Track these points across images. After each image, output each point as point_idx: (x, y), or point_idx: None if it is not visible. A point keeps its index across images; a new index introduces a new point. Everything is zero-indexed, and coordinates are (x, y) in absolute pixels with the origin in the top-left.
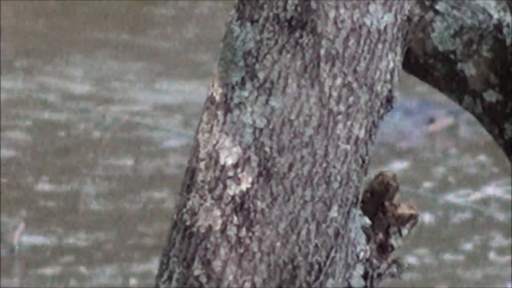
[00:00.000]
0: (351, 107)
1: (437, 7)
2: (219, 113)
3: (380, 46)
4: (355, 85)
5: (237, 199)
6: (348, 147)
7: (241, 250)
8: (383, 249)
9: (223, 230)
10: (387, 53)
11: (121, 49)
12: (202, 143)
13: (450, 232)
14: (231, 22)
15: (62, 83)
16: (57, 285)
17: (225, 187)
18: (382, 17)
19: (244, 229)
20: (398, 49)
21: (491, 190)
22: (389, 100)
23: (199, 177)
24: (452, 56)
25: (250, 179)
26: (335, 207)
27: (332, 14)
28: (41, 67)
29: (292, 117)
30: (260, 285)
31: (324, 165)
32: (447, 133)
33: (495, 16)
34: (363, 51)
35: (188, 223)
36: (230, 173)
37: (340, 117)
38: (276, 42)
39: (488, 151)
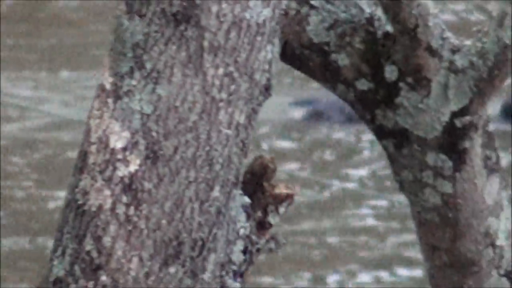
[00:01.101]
0: (232, 94)
1: (312, 2)
2: (109, 100)
3: (259, 38)
4: (236, 74)
5: (126, 180)
6: (230, 132)
7: (130, 227)
8: (262, 226)
9: (112, 209)
10: (266, 45)
11: None
12: (94, 128)
13: None
14: (121, 15)
15: None
16: None
17: (114, 169)
18: (261, 12)
19: (132, 207)
20: (276, 41)
21: None
22: (267, 88)
23: (91, 159)
24: (326, 48)
25: (138, 162)
26: (217, 188)
27: (214, 8)
28: None
29: (177, 104)
30: (147, 259)
31: (207, 148)
32: None
33: (367, 10)
34: (243, 43)
35: (80, 202)
36: (119, 156)
37: (222, 104)
38: (163, 34)
39: None
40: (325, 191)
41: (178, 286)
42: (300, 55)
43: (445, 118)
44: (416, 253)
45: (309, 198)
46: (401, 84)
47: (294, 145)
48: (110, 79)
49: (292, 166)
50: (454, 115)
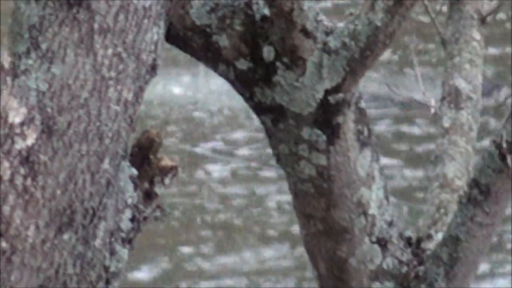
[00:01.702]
0: (121, 73)
1: None
2: (8, 78)
3: (145, 21)
4: (124, 54)
5: (24, 153)
6: (118, 108)
7: (27, 197)
8: (148, 196)
9: (11, 180)
10: (152, 27)
11: None
12: None
13: None
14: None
15: None
16: None
17: (13, 142)
18: None
19: (29, 179)
20: (161, 24)
21: None
22: (154, 67)
23: None
24: (208, 30)
25: (34, 136)
26: (107, 160)
27: None
28: None
29: (70, 82)
30: (43, 227)
31: (98, 123)
32: None
33: None
34: (131, 25)
35: None
36: (17, 131)
37: (111, 82)
38: (57, 17)
39: None
40: None
41: (72, 252)
42: (184, 36)
43: (319, 95)
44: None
45: None
46: (278, 64)
47: None
48: (9, 59)
49: None
50: (328, 92)
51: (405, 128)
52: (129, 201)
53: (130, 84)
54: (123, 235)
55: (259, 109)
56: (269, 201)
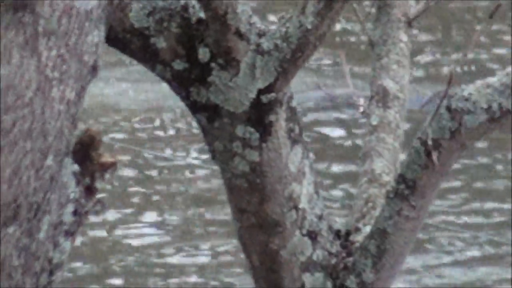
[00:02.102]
0: (64, 74)
1: None
2: None
3: (87, 24)
4: (67, 56)
5: None
6: (62, 107)
7: None
8: (90, 191)
9: None
10: (93, 29)
11: None
12: None
13: None
14: None
15: None
16: None
17: None
18: (89, 0)
19: None
20: (102, 27)
21: None
22: (95, 68)
23: None
24: (146, 32)
25: None
26: (50, 157)
27: None
28: None
29: (16, 82)
30: None
31: (42, 122)
32: None
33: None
34: (73, 28)
35: None
36: None
37: (55, 82)
38: (3, 20)
39: None
40: None
41: (16, 245)
42: (123, 39)
43: (253, 94)
44: None
45: None
46: (213, 65)
47: None
48: None
49: None
50: (261, 92)
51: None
52: (72, 196)
53: (72, 84)
54: (66, 228)
55: (194, 108)
56: None
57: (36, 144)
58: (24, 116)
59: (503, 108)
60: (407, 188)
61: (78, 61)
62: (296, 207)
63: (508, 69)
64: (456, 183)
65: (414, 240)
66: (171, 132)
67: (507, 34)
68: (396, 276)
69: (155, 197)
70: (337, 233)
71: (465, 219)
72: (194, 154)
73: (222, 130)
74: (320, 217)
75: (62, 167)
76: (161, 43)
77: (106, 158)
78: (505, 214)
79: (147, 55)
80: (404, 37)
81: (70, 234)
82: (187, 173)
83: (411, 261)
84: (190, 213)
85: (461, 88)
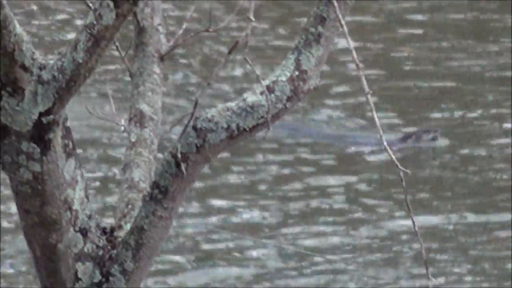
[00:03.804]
0: None
1: None
2: None
3: None
4: None
5: None
6: None
7: None
8: None
9: None
10: None
11: None
12: None
13: None
14: None
15: None
16: None
17: None
18: None
19: None
20: None
21: None
22: None
23: None
24: None
25: None
26: None
27: None
28: None
29: None
30: None
31: None
32: None
33: None
34: None
35: None
36: None
37: None
38: None
39: None
40: None
41: None
42: None
43: (35, 116)
44: None
45: None
46: (3, 92)
47: None
48: None
49: None
50: (41, 114)
51: None
52: None
53: None
54: None
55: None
56: None
57: None
58: None
59: (240, 128)
60: (160, 193)
61: None
62: (70, 208)
63: (245, 94)
64: None
65: (167, 236)
66: None
67: None
68: (151, 265)
69: None
70: (104, 230)
71: None
72: None
73: (11, 146)
74: (89, 217)
75: None
76: None
77: None
78: None
79: None
80: (157, 69)
81: None
82: None
83: None
84: None
85: (205, 110)
